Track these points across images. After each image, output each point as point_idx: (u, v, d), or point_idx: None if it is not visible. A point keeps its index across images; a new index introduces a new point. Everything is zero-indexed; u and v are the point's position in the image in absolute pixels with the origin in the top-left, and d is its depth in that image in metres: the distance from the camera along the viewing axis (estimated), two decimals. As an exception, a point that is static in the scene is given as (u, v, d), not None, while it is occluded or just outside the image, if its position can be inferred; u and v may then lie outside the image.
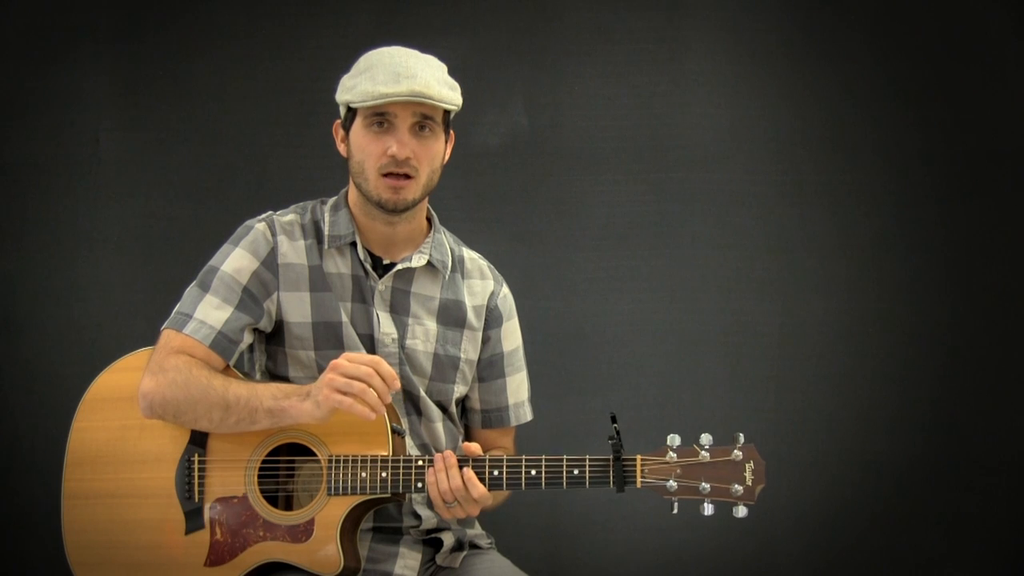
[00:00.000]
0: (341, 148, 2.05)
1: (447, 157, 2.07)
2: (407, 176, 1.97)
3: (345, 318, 2.01)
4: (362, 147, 1.98)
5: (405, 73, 1.93)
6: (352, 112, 2.01)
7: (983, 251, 3.15)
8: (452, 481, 1.87)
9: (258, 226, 2.03)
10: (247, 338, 2.00)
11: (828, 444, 3.17)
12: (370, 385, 1.83)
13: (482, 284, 2.14)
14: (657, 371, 3.21)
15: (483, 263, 2.18)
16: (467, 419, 2.19)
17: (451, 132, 2.06)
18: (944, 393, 3.15)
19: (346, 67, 2.06)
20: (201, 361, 1.94)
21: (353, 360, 1.85)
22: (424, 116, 1.97)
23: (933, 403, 3.15)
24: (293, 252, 2.02)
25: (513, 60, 3.23)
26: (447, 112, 2.02)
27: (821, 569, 3.19)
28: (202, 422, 1.93)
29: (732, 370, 3.20)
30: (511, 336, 2.18)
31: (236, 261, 2.01)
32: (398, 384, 1.87)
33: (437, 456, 1.89)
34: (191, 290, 2.02)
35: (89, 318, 3.17)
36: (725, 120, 3.20)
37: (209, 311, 1.97)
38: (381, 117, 1.96)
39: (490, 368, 2.15)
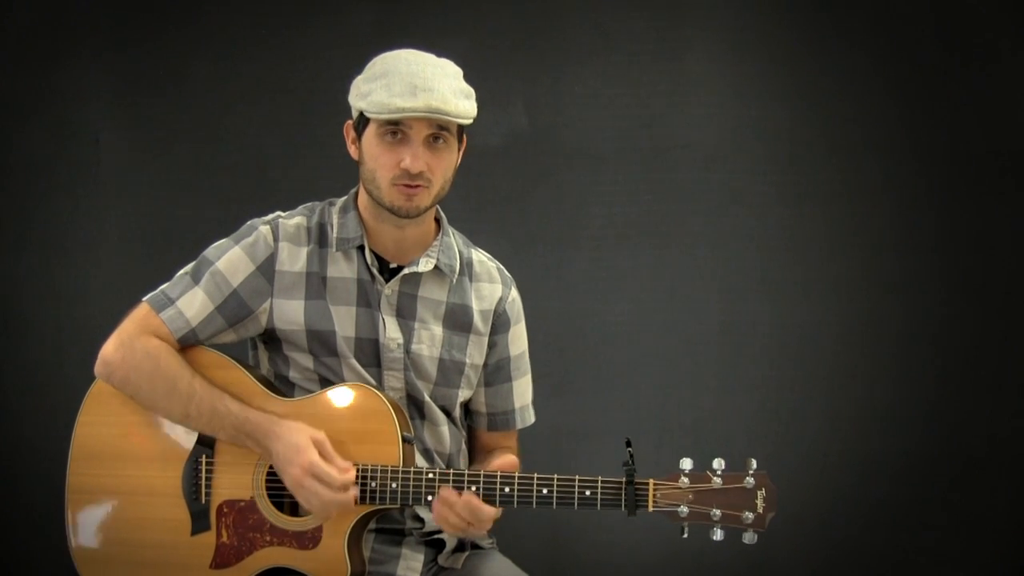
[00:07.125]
0: (352, 150, 2.01)
1: (458, 162, 2.03)
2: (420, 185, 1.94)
3: (337, 327, 1.99)
4: (375, 156, 1.94)
5: (422, 85, 1.88)
6: (365, 118, 1.96)
7: (981, 251, 3.15)
8: (460, 515, 1.86)
9: (262, 228, 2.01)
10: (214, 339, 2.00)
11: (827, 443, 3.17)
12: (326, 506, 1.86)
13: (490, 288, 2.12)
14: (656, 371, 3.21)
15: (492, 265, 2.15)
16: (471, 421, 2.17)
17: (464, 138, 2.02)
18: (942, 392, 3.16)
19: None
20: (170, 347, 1.96)
21: (331, 482, 1.85)
22: (440, 127, 1.93)
23: (931, 402, 3.16)
24: (293, 258, 2.00)
25: (513, 60, 3.23)
26: None
27: (819, 567, 3.19)
28: (160, 413, 1.95)
29: (731, 369, 3.20)
30: (518, 340, 2.16)
31: (232, 261, 1.99)
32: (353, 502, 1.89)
33: (438, 497, 1.87)
34: (182, 276, 2.01)
35: (89, 318, 3.16)
36: (725, 120, 3.20)
37: (192, 303, 1.97)
38: (395, 127, 1.92)
39: (497, 372, 2.13)
